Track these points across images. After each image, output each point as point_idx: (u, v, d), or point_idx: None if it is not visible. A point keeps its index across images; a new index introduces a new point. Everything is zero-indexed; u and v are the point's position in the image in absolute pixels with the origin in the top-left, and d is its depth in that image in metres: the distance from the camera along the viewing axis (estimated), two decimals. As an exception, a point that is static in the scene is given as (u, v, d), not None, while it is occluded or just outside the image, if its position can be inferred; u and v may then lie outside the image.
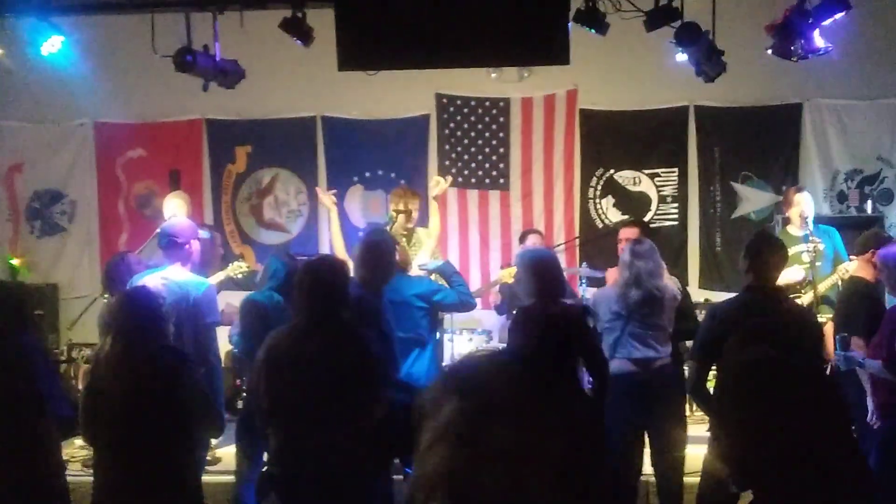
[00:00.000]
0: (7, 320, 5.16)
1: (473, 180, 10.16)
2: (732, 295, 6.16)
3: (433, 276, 6.80)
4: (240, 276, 7.63)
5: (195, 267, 6.42)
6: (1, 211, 10.52)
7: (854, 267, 6.69)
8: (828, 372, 6.01)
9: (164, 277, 6.11)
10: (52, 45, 7.48)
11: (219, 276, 7.48)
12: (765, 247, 5.56)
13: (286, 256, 6.60)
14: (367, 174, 10.22)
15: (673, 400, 6.04)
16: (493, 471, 1.62)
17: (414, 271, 6.74)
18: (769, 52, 7.23)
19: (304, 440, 4.65)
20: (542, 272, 5.63)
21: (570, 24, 6.79)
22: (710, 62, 7.30)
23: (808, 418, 2.92)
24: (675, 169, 9.89)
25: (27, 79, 9.26)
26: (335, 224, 7.70)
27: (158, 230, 7.78)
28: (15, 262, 9.76)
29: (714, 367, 5.39)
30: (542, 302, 5.50)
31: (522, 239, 8.98)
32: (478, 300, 9.39)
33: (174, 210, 7.81)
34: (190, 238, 6.36)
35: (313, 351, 4.64)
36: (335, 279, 4.83)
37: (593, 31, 7.17)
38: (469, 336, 8.94)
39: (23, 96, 10.06)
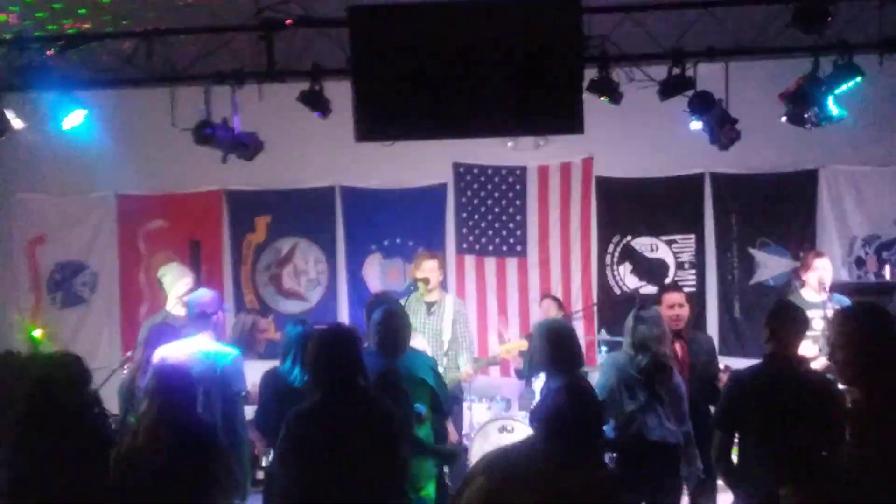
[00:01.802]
0: (78, 396, 5.05)
1: (491, 247, 10.21)
2: (753, 362, 6.12)
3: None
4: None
5: (221, 337, 6.53)
6: (23, 282, 10.61)
7: None
8: None
9: (190, 347, 6.17)
10: (75, 118, 7.57)
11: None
12: (785, 316, 5.52)
13: (300, 323, 6.67)
14: (386, 242, 10.28)
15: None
16: None
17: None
18: (784, 119, 7.28)
19: None
20: (557, 341, 5.64)
21: (584, 94, 6.87)
22: (724, 130, 7.36)
23: None
24: (692, 235, 9.91)
25: (49, 152, 9.39)
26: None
27: (164, 309, 7.92)
28: (37, 333, 9.80)
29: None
30: (564, 378, 5.50)
31: (540, 302, 9.09)
32: (497, 367, 9.44)
33: (184, 287, 7.81)
34: (217, 309, 6.54)
35: (336, 426, 4.63)
36: (349, 347, 4.86)
37: (607, 100, 7.25)
38: (487, 404, 8.91)
39: (45, 169, 10.19)
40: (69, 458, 4.89)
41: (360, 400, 4.75)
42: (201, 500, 4.87)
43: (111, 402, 7.11)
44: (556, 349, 5.60)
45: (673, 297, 7.16)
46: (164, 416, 4.90)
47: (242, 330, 8.40)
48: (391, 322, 5.75)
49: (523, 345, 8.38)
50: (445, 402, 6.12)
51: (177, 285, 7.89)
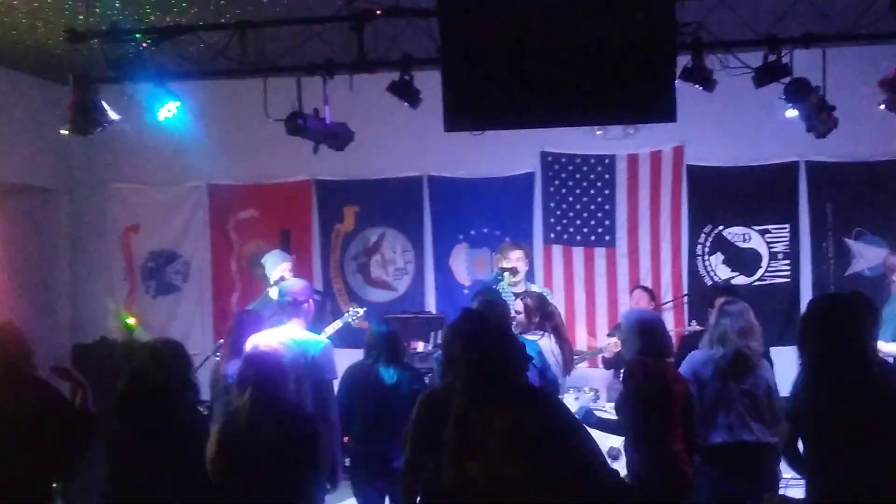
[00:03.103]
0: (178, 380, 5.15)
1: (579, 237, 10.13)
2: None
3: None
4: (355, 321, 8.29)
5: (309, 325, 6.62)
6: (118, 271, 10.84)
7: None
8: None
9: (283, 335, 6.25)
10: (168, 110, 7.68)
11: (336, 325, 8.14)
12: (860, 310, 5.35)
13: (385, 322, 6.80)
14: (473, 232, 10.28)
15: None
16: None
17: None
18: (881, 107, 7.09)
19: None
20: (646, 332, 5.60)
21: (676, 82, 6.77)
22: (820, 118, 7.19)
23: None
24: (787, 225, 9.72)
25: (144, 143, 9.56)
26: None
27: (266, 291, 8.08)
28: (131, 320, 10.02)
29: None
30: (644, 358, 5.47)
31: (631, 293, 9.06)
32: (585, 362, 9.39)
33: (282, 273, 8.00)
34: (308, 297, 6.66)
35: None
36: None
37: (700, 87, 7.13)
38: (575, 395, 8.85)
39: (139, 160, 10.41)
40: (165, 440, 4.99)
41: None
42: (292, 486, 4.97)
43: (203, 389, 7.27)
44: (645, 340, 5.56)
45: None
46: (256, 402, 4.98)
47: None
48: (491, 313, 5.74)
49: None
50: (553, 382, 6.37)
51: (275, 271, 8.08)
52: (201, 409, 8.48)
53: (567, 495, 3.67)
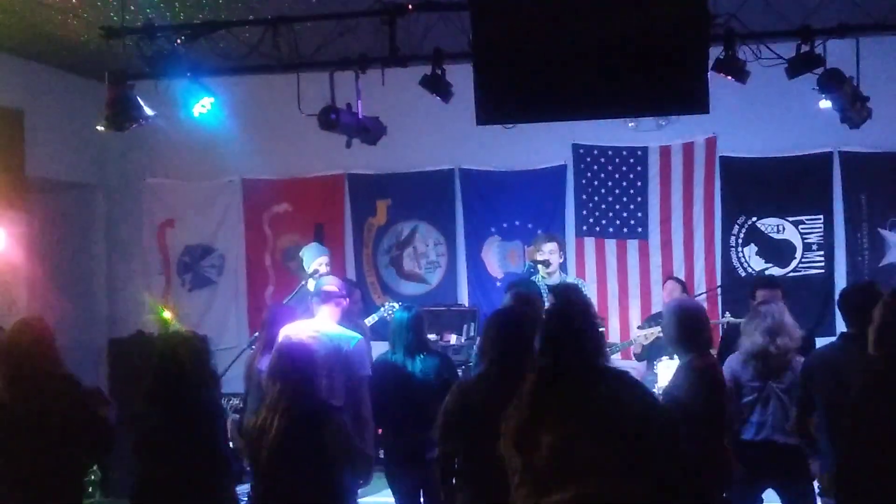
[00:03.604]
0: (196, 374, 5.18)
1: (611, 229, 10.13)
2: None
3: None
4: (390, 315, 8.01)
5: (342, 321, 6.65)
6: (154, 265, 10.95)
7: None
8: None
9: (315, 329, 6.28)
10: (203, 105, 7.73)
11: (372, 319, 8.25)
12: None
13: (407, 308, 6.78)
14: (505, 225, 10.30)
15: None
16: None
17: None
18: (916, 97, 7.06)
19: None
20: (687, 321, 5.51)
21: (709, 73, 6.75)
22: (854, 108, 7.15)
23: None
24: (821, 216, 9.65)
25: (179, 138, 9.66)
26: None
27: (303, 283, 8.13)
28: (167, 314, 10.12)
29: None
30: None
31: (664, 284, 9.07)
32: (618, 354, 9.37)
33: (318, 266, 8.06)
34: (343, 293, 6.65)
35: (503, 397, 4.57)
36: (523, 325, 4.75)
37: (733, 79, 7.11)
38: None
39: (174, 155, 10.51)
40: (185, 431, 5.05)
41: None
42: (323, 480, 4.98)
43: (238, 382, 7.34)
44: (685, 329, 5.47)
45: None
46: (285, 395, 5.01)
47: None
48: (526, 307, 5.74)
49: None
50: None
51: (312, 264, 8.14)
52: (225, 403, 8.66)
53: (640, 476, 3.67)
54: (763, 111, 9.25)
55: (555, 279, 8.17)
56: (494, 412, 4.07)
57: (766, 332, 5.95)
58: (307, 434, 4.96)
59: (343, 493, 5.21)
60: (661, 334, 8.30)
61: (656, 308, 9.41)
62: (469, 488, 4.73)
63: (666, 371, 7.91)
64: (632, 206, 10.08)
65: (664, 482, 3.70)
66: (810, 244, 9.68)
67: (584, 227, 10.15)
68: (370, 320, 8.24)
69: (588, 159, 10.14)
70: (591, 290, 9.37)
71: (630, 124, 9.76)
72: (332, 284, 6.69)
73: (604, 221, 10.13)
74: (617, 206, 10.11)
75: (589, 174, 10.15)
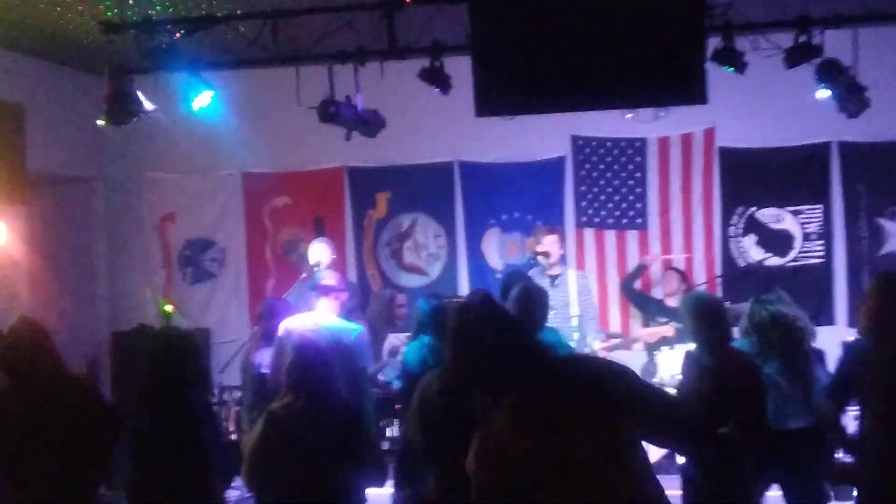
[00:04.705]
0: (174, 374, 5.20)
1: (610, 221, 10.14)
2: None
3: None
4: None
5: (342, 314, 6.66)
6: (155, 259, 10.97)
7: None
8: None
9: (315, 322, 6.29)
10: (203, 99, 7.77)
11: None
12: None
13: (433, 297, 6.72)
14: (504, 217, 10.31)
15: None
16: None
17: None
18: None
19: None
20: (704, 314, 5.47)
21: (707, 64, 6.77)
22: (852, 98, 7.17)
23: None
24: (819, 206, 9.67)
25: (179, 132, 9.65)
26: None
27: (303, 276, 8.13)
28: (168, 308, 10.15)
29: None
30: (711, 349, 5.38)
31: (663, 275, 9.24)
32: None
33: (320, 258, 8.04)
34: (342, 286, 6.69)
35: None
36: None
37: (731, 69, 7.13)
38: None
39: (175, 149, 10.50)
40: (173, 433, 5.10)
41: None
42: (339, 479, 4.98)
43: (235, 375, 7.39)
44: (703, 322, 5.41)
45: None
46: (302, 390, 5.02)
47: (382, 304, 8.62)
48: (530, 298, 5.75)
49: (667, 331, 8.36)
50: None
51: (314, 258, 8.13)
52: (228, 395, 8.68)
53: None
54: (761, 101, 9.25)
55: (556, 270, 8.21)
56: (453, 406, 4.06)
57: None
58: (327, 432, 4.94)
59: (356, 491, 5.24)
60: (666, 334, 8.40)
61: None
62: (437, 470, 4.72)
63: (666, 361, 7.97)
64: (631, 197, 10.09)
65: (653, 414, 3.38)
66: (809, 234, 9.70)
67: (584, 219, 10.16)
68: None
69: (587, 151, 10.15)
70: (591, 281, 9.40)
71: (628, 115, 9.74)
72: (330, 278, 6.70)
73: (603, 212, 10.15)
74: (616, 197, 10.12)
75: (588, 165, 10.17)
